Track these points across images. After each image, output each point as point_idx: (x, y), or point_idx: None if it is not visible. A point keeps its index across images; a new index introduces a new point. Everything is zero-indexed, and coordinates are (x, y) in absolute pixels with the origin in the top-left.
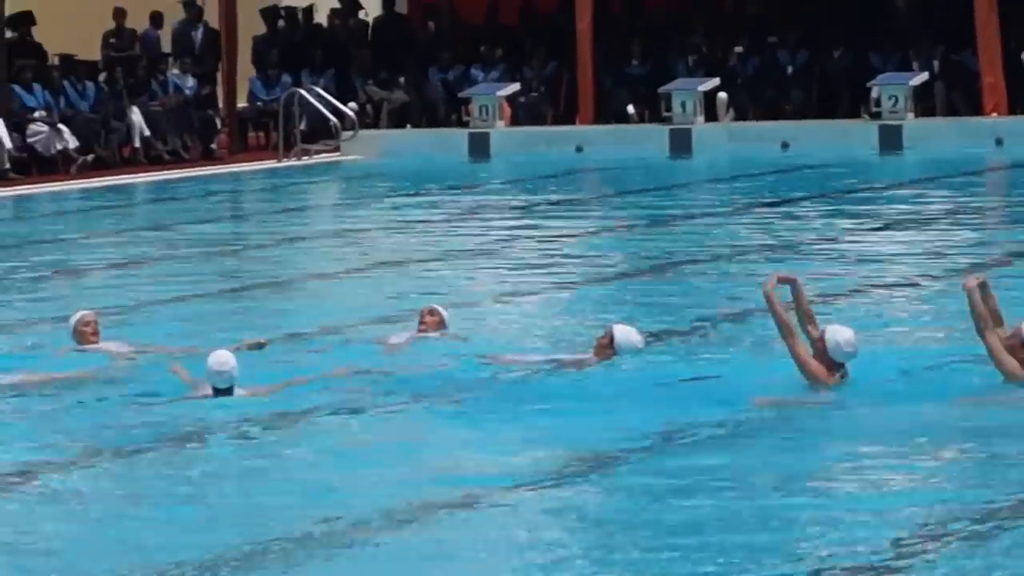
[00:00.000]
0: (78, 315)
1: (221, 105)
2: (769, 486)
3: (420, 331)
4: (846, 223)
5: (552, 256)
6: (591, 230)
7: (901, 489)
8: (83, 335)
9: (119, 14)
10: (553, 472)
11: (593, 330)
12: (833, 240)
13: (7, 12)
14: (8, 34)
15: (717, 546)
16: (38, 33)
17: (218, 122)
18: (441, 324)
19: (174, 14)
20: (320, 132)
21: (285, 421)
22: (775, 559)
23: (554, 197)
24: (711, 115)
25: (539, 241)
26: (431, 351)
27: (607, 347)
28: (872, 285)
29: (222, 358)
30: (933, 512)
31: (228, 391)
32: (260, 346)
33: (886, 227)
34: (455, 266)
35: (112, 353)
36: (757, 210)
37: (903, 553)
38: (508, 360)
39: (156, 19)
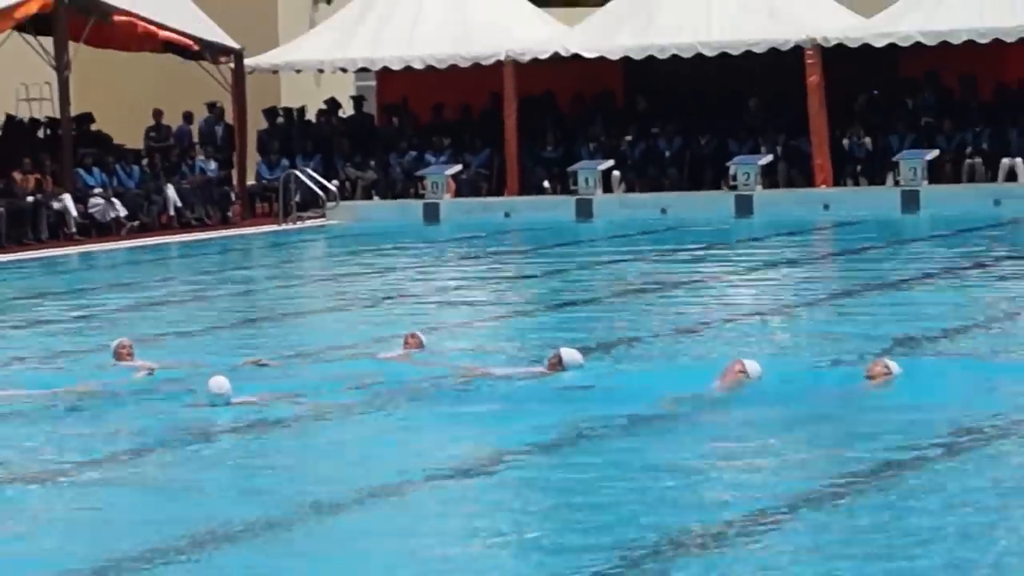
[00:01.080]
0: (117, 340)
1: (235, 183)
2: (654, 469)
3: (405, 350)
4: (711, 268)
5: (493, 294)
6: (520, 274)
7: (764, 472)
8: (121, 355)
9: (157, 114)
10: (502, 457)
11: (539, 349)
12: (701, 281)
13: (72, 113)
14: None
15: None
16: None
17: (233, 196)
18: (420, 346)
19: (201, 112)
20: (310, 203)
21: (272, 424)
22: (641, 529)
23: (490, 250)
24: (608, 188)
25: (482, 282)
26: (412, 366)
27: (557, 364)
28: (733, 315)
29: (219, 381)
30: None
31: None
32: (262, 364)
33: (742, 271)
34: (419, 302)
35: (139, 368)
36: (644, 259)
37: (758, 525)
38: (479, 373)
39: (188, 117)
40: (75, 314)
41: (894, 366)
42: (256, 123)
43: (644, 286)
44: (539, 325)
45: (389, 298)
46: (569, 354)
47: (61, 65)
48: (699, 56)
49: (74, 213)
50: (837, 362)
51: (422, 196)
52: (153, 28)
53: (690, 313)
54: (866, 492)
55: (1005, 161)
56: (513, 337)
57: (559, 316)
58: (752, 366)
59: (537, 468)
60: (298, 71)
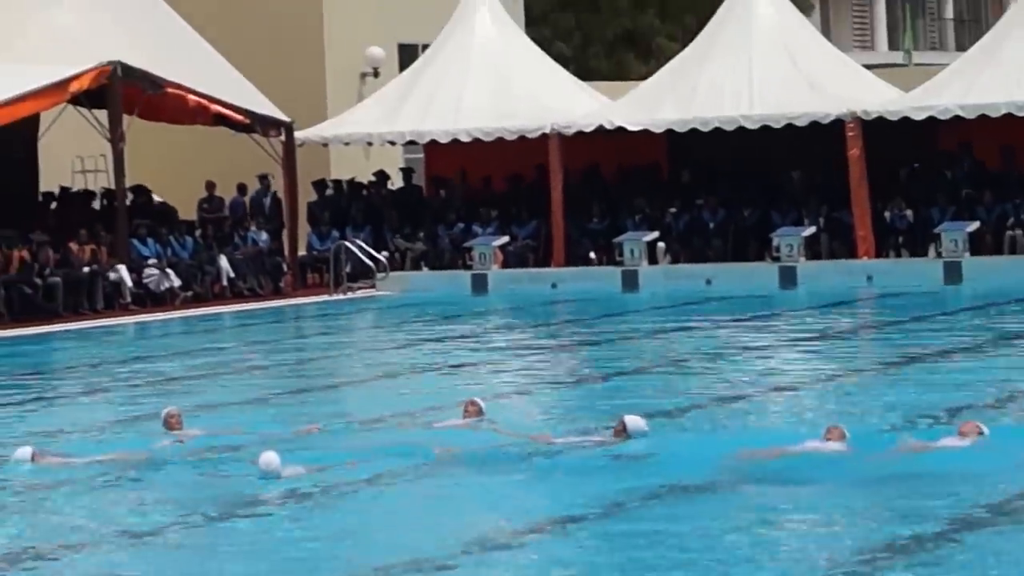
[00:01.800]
0: (167, 409)
1: (287, 253)
2: (715, 530)
3: (464, 418)
4: (754, 339)
5: (545, 363)
6: (566, 344)
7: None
8: (171, 424)
9: (210, 185)
10: (564, 525)
11: (598, 417)
12: (745, 351)
13: (127, 184)
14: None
15: None
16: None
17: (284, 266)
18: (480, 413)
19: (254, 184)
20: (361, 273)
21: (322, 493)
22: None
23: (537, 320)
24: (653, 259)
25: (533, 352)
26: (474, 433)
27: (622, 432)
28: (776, 386)
29: (268, 459)
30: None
31: None
32: (315, 431)
33: (786, 343)
34: (469, 371)
35: (189, 437)
36: (688, 330)
37: None
38: (543, 441)
39: (242, 189)
40: (129, 383)
41: (985, 429)
42: (306, 195)
43: (693, 356)
44: (594, 394)
45: (442, 367)
46: (634, 421)
47: (116, 137)
48: (741, 129)
49: (129, 283)
50: (894, 428)
51: (470, 267)
52: (204, 102)
53: (741, 382)
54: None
55: None
56: (571, 405)
57: (612, 385)
58: (845, 433)
59: (600, 536)
60: (347, 144)
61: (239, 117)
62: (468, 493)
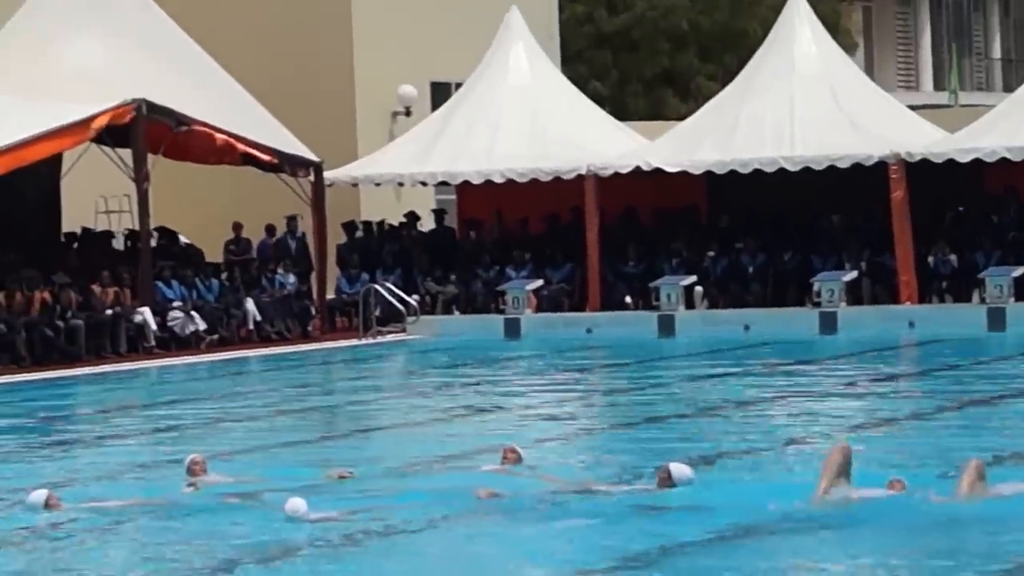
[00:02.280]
0: (191, 456)
1: (315, 296)
2: None
3: (503, 464)
4: (793, 387)
5: (577, 408)
6: (602, 390)
7: None
8: (194, 471)
9: (237, 227)
10: (602, 573)
11: (641, 463)
12: (784, 400)
13: (151, 226)
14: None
15: None
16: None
17: (313, 310)
18: (519, 460)
19: (282, 225)
20: (391, 317)
21: (347, 541)
22: None
23: (572, 365)
24: (690, 304)
25: (569, 398)
26: (513, 480)
27: (667, 480)
28: (815, 435)
29: (295, 504)
30: None
31: None
32: (347, 477)
33: (827, 391)
34: (502, 417)
35: (213, 483)
36: (726, 377)
37: None
38: (585, 489)
39: (270, 230)
40: (152, 428)
41: None
42: (335, 236)
43: (734, 403)
44: (635, 441)
45: (475, 413)
46: (679, 469)
47: (140, 177)
48: (782, 171)
49: (153, 326)
50: (954, 474)
51: (503, 311)
52: (232, 141)
53: (784, 429)
54: None
55: None
56: (612, 453)
57: (652, 432)
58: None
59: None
60: (378, 184)
61: (267, 157)
62: (504, 542)
